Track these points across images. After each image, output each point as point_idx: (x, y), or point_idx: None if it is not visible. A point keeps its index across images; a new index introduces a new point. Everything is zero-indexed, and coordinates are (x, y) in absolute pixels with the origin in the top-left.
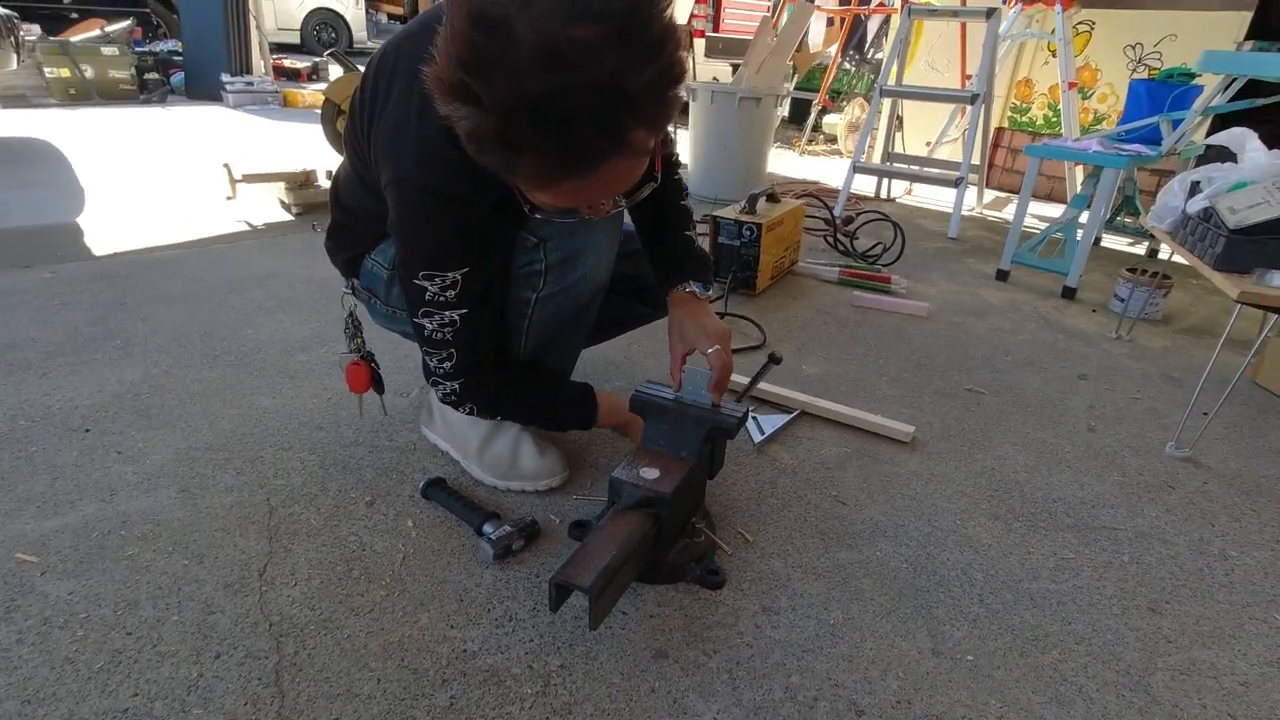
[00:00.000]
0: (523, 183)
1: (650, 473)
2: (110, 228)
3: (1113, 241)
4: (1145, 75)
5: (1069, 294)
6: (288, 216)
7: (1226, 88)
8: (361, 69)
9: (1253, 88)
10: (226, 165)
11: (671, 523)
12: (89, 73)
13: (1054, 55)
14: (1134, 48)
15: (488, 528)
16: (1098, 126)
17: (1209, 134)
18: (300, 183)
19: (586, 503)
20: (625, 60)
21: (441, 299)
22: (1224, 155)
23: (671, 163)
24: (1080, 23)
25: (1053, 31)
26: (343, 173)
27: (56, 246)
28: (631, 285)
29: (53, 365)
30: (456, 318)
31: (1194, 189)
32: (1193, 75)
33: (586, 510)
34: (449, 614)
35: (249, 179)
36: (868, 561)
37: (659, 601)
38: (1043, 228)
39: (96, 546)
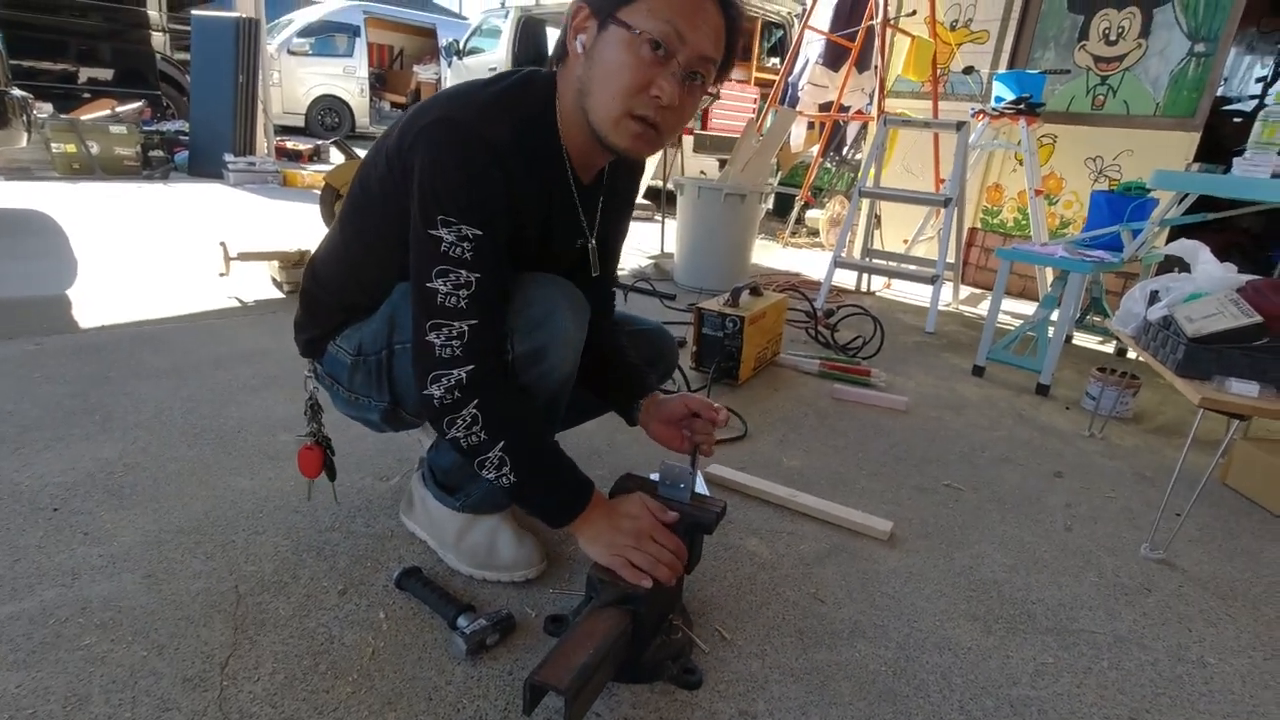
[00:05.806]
0: None
1: None
2: (100, 301)
3: (1084, 339)
4: (1106, 186)
5: (1043, 391)
6: (279, 294)
7: (1181, 200)
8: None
9: (1205, 200)
10: (223, 243)
11: (649, 620)
12: (94, 149)
13: (1021, 164)
14: (1094, 160)
15: (462, 621)
16: (1064, 230)
17: (1169, 240)
18: (294, 261)
19: (564, 597)
20: None
21: (456, 252)
22: (1184, 262)
23: (611, 303)
24: (1044, 136)
25: (1019, 143)
26: (325, 244)
27: (44, 318)
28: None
29: (27, 440)
30: (473, 279)
31: (1153, 298)
32: (1147, 190)
33: (563, 604)
34: (417, 713)
35: (244, 256)
36: (846, 663)
37: (634, 703)
38: (1016, 325)
39: (52, 635)
